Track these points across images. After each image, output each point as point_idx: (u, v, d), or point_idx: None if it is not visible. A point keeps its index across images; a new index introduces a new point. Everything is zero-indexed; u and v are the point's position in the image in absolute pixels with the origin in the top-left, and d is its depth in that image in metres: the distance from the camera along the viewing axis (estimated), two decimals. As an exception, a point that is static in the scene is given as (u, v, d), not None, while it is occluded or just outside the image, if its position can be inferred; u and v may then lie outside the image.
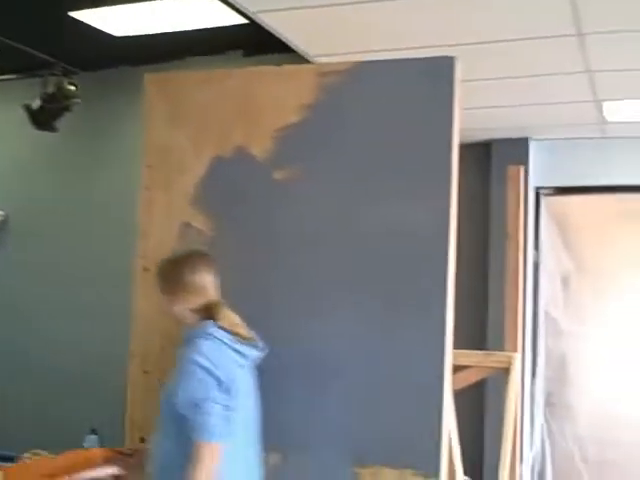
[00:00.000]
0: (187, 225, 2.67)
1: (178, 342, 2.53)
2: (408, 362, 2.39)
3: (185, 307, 2.46)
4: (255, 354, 2.46)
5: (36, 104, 5.04)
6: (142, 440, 2.73)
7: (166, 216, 2.69)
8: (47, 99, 4.98)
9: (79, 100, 5.03)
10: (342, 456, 2.44)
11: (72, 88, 5.03)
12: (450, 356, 2.40)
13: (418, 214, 2.40)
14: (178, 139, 2.68)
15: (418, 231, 2.40)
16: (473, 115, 4.75)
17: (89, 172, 6.48)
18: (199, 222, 2.66)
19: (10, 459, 3.68)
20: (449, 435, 2.54)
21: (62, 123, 5.19)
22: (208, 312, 2.46)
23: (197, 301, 2.45)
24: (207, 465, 2.27)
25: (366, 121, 2.50)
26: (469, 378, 4.76)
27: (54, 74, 5.15)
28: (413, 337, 2.39)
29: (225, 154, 2.62)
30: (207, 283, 2.47)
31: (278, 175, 2.57)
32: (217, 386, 2.31)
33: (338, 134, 2.52)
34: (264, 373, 2.50)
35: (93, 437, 6.17)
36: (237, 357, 2.41)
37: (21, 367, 6.38)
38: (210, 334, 2.40)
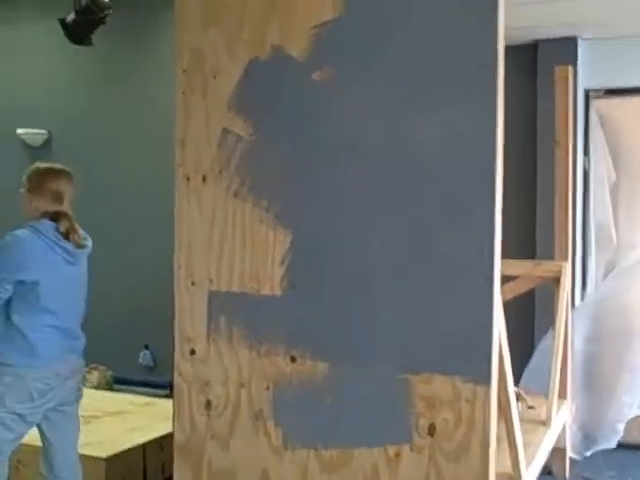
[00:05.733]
0: (226, 130, 2.60)
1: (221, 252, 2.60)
2: (454, 266, 2.32)
3: (40, 207, 3.15)
4: (83, 255, 3.26)
5: (70, 18, 4.99)
6: (192, 352, 2.73)
7: (205, 122, 2.62)
8: (81, 12, 4.92)
9: (111, 11, 4.98)
10: (392, 363, 2.40)
11: (105, -1, 4.98)
12: (499, 260, 2.33)
13: (462, 119, 2.29)
14: (212, 41, 2.58)
15: (463, 137, 2.30)
16: (518, 12, 4.54)
17: (127, 84, 6.43)
18: (238, 127, 2.57)
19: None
20: (499, 342, 2.48)
21: (97, 36, 5.15)
22: (54, 216, 3.14)
23: (50, 206, 3.15)
24: None
25: (405, 21, 2.36)
26: (519, 288, 4.69)
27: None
28: (460, 241, 2.31)
29: (261, 55, 2.53)
30: (65, 195, 3.19)
31: (317, 76, 2.47)
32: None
33: (376, 33, 2.39)
34: (311, 278, 2.50)
35: (147, 352, 6.36)
36: (63, 254, 3.13)
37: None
38: (33, 226, 3.10)
